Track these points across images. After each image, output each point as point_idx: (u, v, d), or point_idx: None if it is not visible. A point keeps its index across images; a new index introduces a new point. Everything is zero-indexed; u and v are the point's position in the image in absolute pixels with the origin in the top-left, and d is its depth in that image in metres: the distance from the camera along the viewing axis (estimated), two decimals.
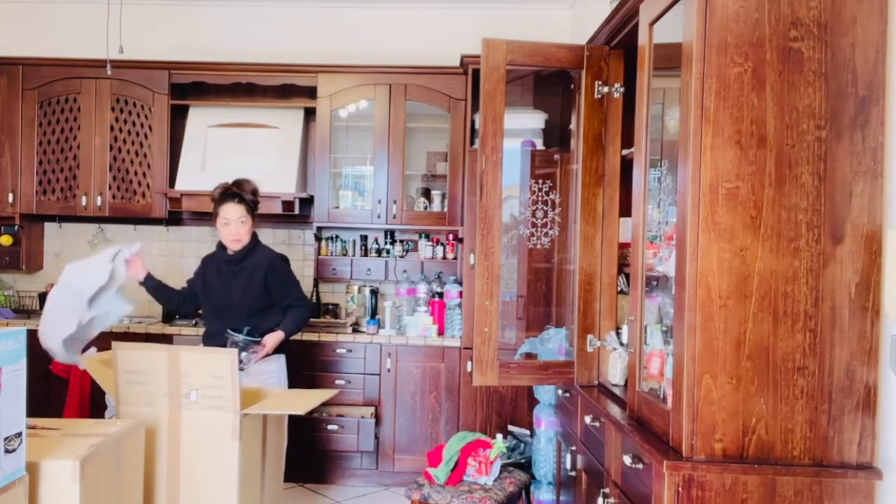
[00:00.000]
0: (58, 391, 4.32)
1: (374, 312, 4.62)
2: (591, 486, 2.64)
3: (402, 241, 4.75)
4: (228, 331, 3.24)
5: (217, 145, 4.58)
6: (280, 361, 3.44)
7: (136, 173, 4.62)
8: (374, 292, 4.67)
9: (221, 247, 3.46)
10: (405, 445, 4.32)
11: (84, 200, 4.61)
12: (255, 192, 3.41)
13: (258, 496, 2.77)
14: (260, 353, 3.27)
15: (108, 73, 4.00)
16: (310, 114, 4.68)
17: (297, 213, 4.50)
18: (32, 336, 4.22)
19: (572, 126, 3.21)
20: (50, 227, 4.98)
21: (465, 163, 4.31)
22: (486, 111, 2.84)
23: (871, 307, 1.90)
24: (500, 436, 3.47)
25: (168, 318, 4.59)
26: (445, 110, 4.51)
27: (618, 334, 2.67)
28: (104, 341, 4.22)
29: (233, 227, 3.33)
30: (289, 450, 3.38)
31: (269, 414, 2.82)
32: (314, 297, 4.70)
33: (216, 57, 4.74)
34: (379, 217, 4.53)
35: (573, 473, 2.89)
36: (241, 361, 3.09)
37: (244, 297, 3.35)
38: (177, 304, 3.62)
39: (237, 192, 3.34)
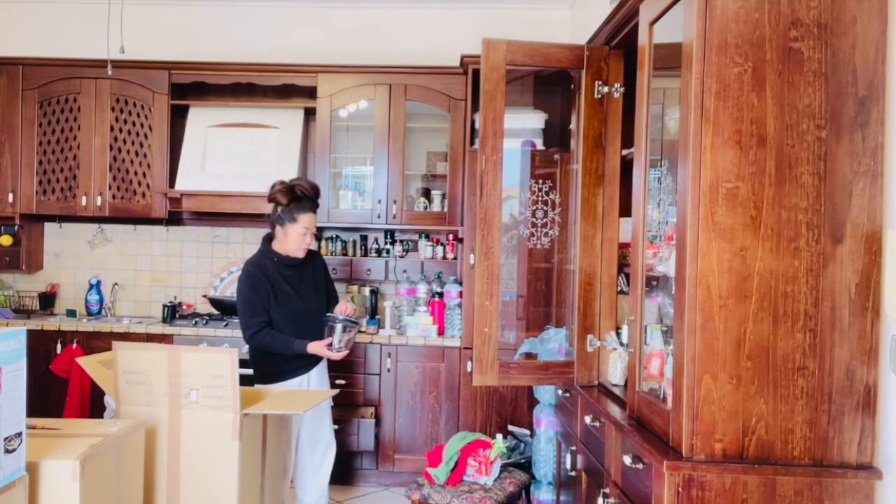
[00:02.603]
0: (58, 391, 4.32)
1: (374, 312, 4.62)
2: (591, 486, 2.64)
3: (402, 241, 4.75)
4: (327, 315, 3.25)
5: (217, 145, 4.58)
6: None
7: (136, 173, 4.62)
8: (374, 292, 4.67)
9: (271, 254, 3.32)
10: (405, 445, 4.32)
11: (84, 200, 4.61)
12: (318, 194, 3.38)
13: (258, 496, 2.77)
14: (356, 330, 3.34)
15: (109, 73, 4.00)
16: (310, 114, 4.68)
17: None
18: (32, 336, 4.24)
19: (572, 126, 3.21)
20: (50, 227, 4.98)
21: (465, 163, 4.31)
22: (486, 111, 2.84)
23: (871, 307, 1.90)
24: (500, 436, 3.47)
25: (168, 319, 4.59)
26: (445, 110, 4.51)
27: (618, 334, 2.67)
28: (104, 341, 4.25)
29: (308, 237, 3.29)
30: None
31: (269, 414, 2.82)
32: None
33: (216, 57, 4.74)
34: (379, 217, 4.53)
35: (573, 473, 2.89)
36: (342, 341, 3.24)
37: (317, 298, 3.38)
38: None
39: (314, 198, 3.30)
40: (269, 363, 3.34)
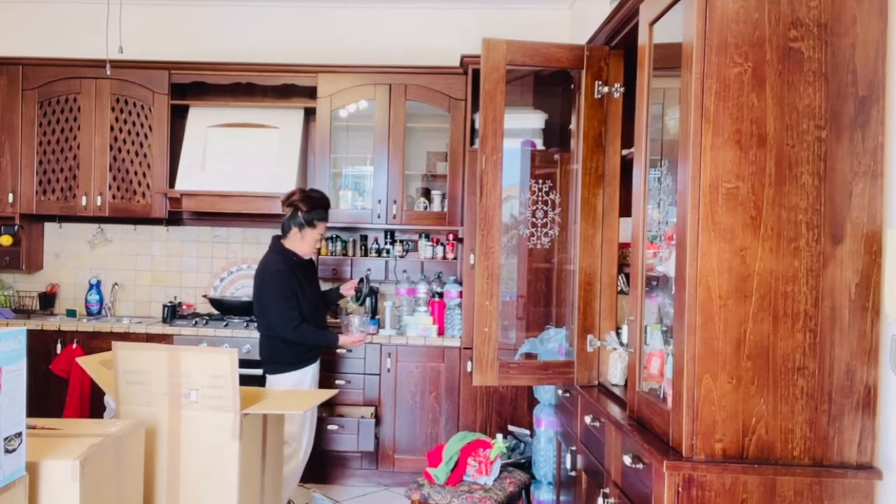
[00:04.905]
0: (58, 391, 4.32)
1: (374, 312, 4.62)
2: (591, 486, 2.64)
3: (402, 241, 4.75)
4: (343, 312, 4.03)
5: (217, 145, 4.58)
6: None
7: (136, 173, 4.62)
8: (375, 292, 4.67)
9: (290, 254, 3.59)
10: (405, 445, 4.32)
11: (84, 200, 4.61)
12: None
13: (258, 496, 2.77)
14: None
15: (108, 73, 4.01)
16: (310, 114, 4.68)
17: None
18: (32, 336, 4.24)
19: (572, 126, 3.21)
20: (50, 227, 4.98)
21: (465, 163, 4.31)
22: (486, 111, 2.84)
23: (871, 307, 1.90)
24: (500, 436, 3.47)
25: (168, 319, 4.58)
26: (445, 110, 4.51)
27: (618, 334, 2.67)
28: (104, 341, 4.25)
29: (321, 241, 3.74)
30: None
31: (269, 414, 2.81)
32: None
33: (216, 57, 4.74)
34: (379, 217, 4.53)
35: (573, 473, 2.89)
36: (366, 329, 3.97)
37: (319, 291, 3.79)
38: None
39: (328, 208, 3.68)
40: (293, 352, 3.55)
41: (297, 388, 3.48)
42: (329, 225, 4.58)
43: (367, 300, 3.98)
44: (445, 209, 4.53)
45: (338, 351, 4.30)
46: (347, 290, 3.90)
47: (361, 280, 3.91)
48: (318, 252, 4.66)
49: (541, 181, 3.47)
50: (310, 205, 3.55)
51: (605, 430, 2.48)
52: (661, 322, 2.40)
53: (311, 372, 3.62)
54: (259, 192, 4.39)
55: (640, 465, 2.09)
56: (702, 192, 1.91)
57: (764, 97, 1.90)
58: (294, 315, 3.48)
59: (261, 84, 4.61)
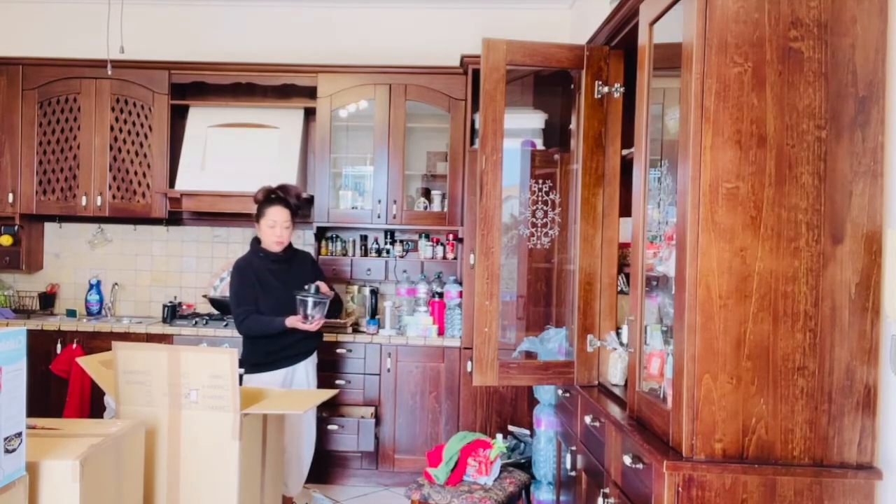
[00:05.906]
0: (58, 391, 4.32)
1: (374, 312, 4.62)
2: (591, 486, 2.64)
3: (402, 241, 4.75)
4: (296, 291, 3.42)
5: (217, 145, 4.58)
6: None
7: (136, 173, 4.62)
8: (374, 292, 4.67)
9: (258, 250, 3.58)
10: (405, 445, 4.32)
11: (84, 200, 4.61)
12: (298, 197, 3.60)
13: (258, 496, 2.77)
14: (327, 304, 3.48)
15: (109, 73, 4.01)
16: (310, 114, 4.68)
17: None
18: (32, 336, 4.24)
19: (572, 126, 3.21)
20: (50, 227, 4.98)
21: (465, 163, 4.32)
22: (486, 111, 2.84)
23: (871, 307, 1.90)
24: (500, 436, 3.47)
25: (168, 319, 4.58)
26: (445, 110, 4.51)
27: (618, 334, 2.67)
28: (104, 341, 4.25)
29: (278, 229, 3.51)
30: None
31: (269, 414, 2.82)
32: None
33: (216, 57, 4.74)
34: (379, 217, 4.53)
35: (573, 473, 2.89)
36: (313, 316, 3.38)
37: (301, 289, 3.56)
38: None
39: (284, 196, 3.52)
40: (256, 352, 3.51)
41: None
42: (329, 225, 4.61)
43: (316, 308, 3.40)
44: (445, 209, 4.53)
45: (338, 351, 4.31)
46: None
47: (313, 287, 3.45)
48: (320, 252, 4.67)
49: (541, 181, 3.47)
50: (263, 195, 3.54)
51: (605, 430, 2.48)
52: (661, 322, 2.40)
53: (283, 376, 3.50)
54: None
55: (640, 465, 2.09)
56: (702, 192, 1.91)
57: (764, 97, 1.90)
58: (241, 311, 3.45)
59: (261, 84, 4.61)
